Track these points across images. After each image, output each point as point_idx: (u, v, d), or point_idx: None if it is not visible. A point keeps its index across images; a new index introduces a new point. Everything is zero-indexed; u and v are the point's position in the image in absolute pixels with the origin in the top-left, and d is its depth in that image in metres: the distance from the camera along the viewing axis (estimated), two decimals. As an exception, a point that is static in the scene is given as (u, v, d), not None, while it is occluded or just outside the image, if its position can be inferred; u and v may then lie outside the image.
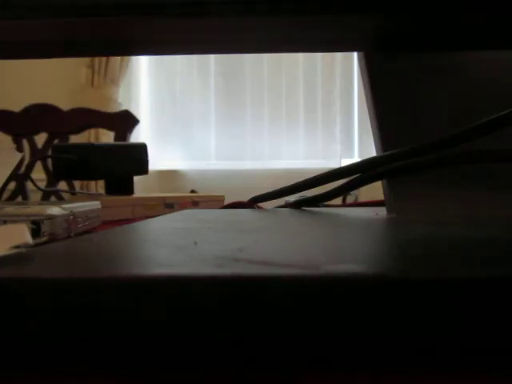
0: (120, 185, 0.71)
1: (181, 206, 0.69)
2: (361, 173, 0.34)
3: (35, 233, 0.32)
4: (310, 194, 0.40)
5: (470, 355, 0.13)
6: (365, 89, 0.35)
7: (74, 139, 1.39)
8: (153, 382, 0.13)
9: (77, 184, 1.53)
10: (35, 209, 0.33)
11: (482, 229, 0.25)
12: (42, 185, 1.16)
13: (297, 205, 0.41)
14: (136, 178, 0.73)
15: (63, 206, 0.36)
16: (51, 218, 0.33)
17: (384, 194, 0.35)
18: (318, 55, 2.27)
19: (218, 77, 2.36)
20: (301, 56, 2.28)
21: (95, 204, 0.44)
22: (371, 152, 0.34)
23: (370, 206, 0.49)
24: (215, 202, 0.74)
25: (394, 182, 0.33)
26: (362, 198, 0.67)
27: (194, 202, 0.71)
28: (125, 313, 0.13)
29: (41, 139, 1.34)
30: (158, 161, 2.20)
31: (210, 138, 2.37)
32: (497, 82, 0.32)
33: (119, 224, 0.39)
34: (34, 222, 0.32)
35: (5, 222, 0.32)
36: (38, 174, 1.16)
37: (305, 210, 0.40)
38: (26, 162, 1.28)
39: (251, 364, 0.13)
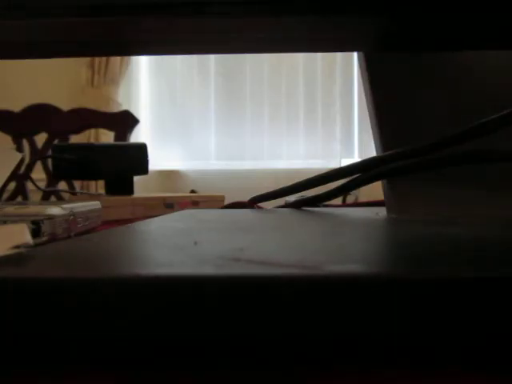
0: (120, 185, 0.71)
1: (181, 205, 0.69)
2: (361, 173, 0.34)
3: (35, 233, 0.32)
4: (310, 193, 0.40)
5: (470, 355, 0.13)
6: (365, 89, 0.35)
7: (74, 139, 1.39)
8: (153, 382, 0.13)
9: (77, 184, 1.53)
10: (35, 209, 0.33)
11: (482, 229, 0.25)
12: (42, 185, 1.16)
13: (297, 205, 0.41)
14: (136, 178, 0.73)
15: (63, 206, 0.35)
16: (51, 217, 0.33)
17: (384, 194, 0.35)
18: (318, 55, 2.27)
19: (218, 77, 2.36)
20: (301, 56, 2.28)
21: (95, 204, 0.44)
22: (371, 152, 0.34)
23: (370, 206, 0.49)
24: (215, 202, 0.74)
25: (394, 182, 0.33)
26: (362, 198, 0.67)
27: (194, 202, 0.71)
28: (125, 313, 0.13)
29: (41, 139, 1.34)
30: (158, 161, 2.20)
31: (210, 137, 2.37)
32: (497, 81, 0.32)
33: (119, 224, 0.39)
34: (34, 222, 0.32)
35: (5, 222, 0.32)
36: (38, 174, 1.16)
37: (305, 210, 0.40)
38: (26, 161, 1.28)
39: (251, 364, 0.13)
